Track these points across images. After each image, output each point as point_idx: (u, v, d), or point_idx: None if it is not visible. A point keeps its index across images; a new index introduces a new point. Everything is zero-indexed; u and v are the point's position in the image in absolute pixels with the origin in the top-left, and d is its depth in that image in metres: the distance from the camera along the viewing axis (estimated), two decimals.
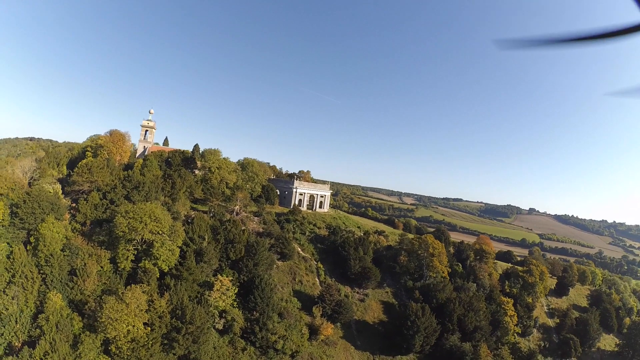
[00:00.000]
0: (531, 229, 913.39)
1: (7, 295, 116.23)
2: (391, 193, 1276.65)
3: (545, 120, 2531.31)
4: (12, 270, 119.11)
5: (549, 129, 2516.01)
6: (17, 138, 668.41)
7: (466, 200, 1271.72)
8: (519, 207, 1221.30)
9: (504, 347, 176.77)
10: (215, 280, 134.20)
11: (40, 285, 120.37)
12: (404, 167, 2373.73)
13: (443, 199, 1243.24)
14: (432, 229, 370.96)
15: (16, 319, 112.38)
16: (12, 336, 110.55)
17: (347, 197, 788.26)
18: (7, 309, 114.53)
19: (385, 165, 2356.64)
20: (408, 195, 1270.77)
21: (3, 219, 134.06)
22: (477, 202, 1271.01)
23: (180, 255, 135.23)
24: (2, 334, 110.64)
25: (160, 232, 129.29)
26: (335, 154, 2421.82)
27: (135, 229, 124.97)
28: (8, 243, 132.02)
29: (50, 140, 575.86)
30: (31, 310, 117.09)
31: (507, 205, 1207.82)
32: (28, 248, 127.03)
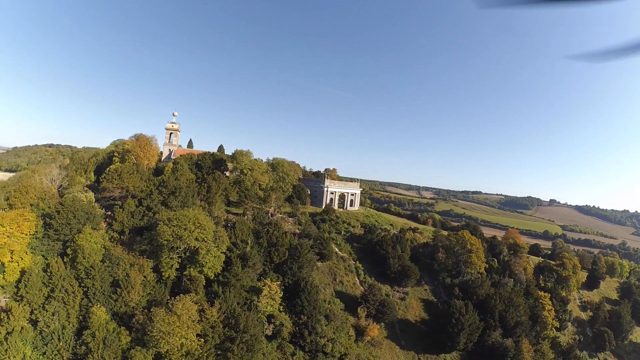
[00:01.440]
0: (553, 221, 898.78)
1: (47, 311, 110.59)
2: (409, 187, 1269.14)
3: (564, 109, 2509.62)
4: (50, 285, 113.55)
5: (568, 118, 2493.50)
6: (36, 145, 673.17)
7: (485, 193, 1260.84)
8: (539, 199, 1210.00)
9: (544, 342, 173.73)
10: (263, 286, 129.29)
11: (82, 299, 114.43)
12: (422, 161, 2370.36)
13: (462, 192, 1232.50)
14: (456, 223, 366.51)
15: (59, 336, 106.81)
16: (56, 354, 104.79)
17: (367, 193, 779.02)
18: (48, 326, 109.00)
19: (402, 160, 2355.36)
20: (426, 189, 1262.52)
21: (37, 231, 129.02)
22: (497, 194, 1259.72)
23: (224, 260, 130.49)
24: (45, 353, 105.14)
25: (205, 239, 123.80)
26: (352, 150, 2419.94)
27: (181, 237, 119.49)
28: (43, 255, 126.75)
29: (70, 146, 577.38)
30: (74, 326, 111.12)
31: (528, 196, 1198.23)
32: (65, 260, 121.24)
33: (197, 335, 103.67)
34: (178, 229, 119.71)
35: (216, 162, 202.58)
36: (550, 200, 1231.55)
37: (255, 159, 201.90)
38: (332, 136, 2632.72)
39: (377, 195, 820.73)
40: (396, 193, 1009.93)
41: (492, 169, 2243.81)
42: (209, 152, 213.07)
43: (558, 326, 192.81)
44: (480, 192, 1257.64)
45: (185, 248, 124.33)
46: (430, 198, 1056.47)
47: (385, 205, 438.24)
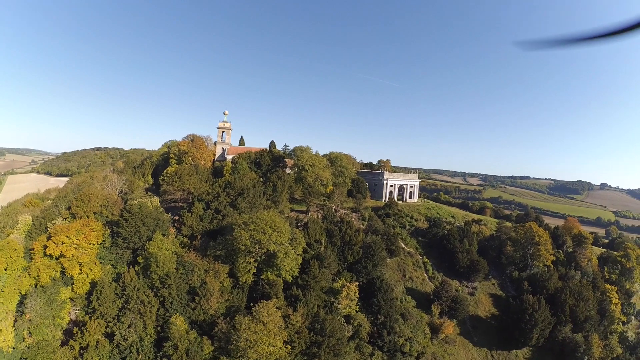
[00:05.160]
0: (605, 206, 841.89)
1: (122, 323, 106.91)
2: (454, 174, 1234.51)
3: (613, 88, 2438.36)
4: (124, 296, 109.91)
5: (619, 97, 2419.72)
6: (84, 149, 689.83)
7: (534, 178, 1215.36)
8: (590, 183, 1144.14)
9: (612, 337, 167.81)
10: (341, 287, 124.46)
11: (159, 309, 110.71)
12: (466, 147, 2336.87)
13: (509, 177, 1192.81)
14: (507, 211, 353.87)
15: (137, 348, 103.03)
16: None
17: None
18: (125, 339, 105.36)
19: (445, 146, 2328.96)
20: (472, 175, 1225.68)
21: (104, 240, 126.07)
22: (546, 179, 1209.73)
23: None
24: None
25: (283, 242, 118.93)
26: (394, 139, 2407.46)
27: (259, 241, 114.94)
28: (112, 265, 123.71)
29: (117, 149, 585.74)
30: (151, 338, 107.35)
31: (578, 181, 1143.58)
32: (137, 269, 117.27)
33: (284, 342, 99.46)
34: (256, 233, 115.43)
35: (275, 159, 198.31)
36: (601, 184, 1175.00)
37: (314, 155, 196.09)
38: (376, 126, 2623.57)
39: (422, 184, 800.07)
40: (442, 181, 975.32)
41: (540, 152, 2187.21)
42: (265, 149, 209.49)
43: (625, 320, 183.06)
44: (528, 177, 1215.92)
45: (263, 252, 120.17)
46: (477, 185, 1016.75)
47: (435, 194, 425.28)
